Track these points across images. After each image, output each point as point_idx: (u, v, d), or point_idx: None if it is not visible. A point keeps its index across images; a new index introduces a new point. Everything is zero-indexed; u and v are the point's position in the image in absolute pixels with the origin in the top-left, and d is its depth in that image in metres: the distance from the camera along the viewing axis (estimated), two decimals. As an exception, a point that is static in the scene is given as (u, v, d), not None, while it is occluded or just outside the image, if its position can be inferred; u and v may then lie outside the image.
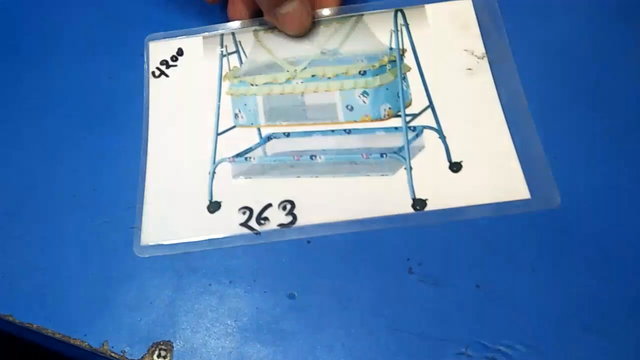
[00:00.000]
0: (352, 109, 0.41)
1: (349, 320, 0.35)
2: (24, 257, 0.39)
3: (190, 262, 0.37)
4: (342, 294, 0.35)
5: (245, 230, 0.38)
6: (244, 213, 0.38)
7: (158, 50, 0.45)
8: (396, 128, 0.40)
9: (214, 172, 0.40)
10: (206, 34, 0.45)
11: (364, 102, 0.41)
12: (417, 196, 0.38)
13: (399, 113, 0.41)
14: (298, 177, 0.39)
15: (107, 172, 0.41)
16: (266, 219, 0.38)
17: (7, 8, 0.51)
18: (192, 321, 0.36)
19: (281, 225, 0.37)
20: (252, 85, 0.43)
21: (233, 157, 0.40)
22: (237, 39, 0.45)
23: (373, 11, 0.44)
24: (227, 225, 0.38)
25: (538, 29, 0.44)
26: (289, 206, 0.38)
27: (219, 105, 0.42)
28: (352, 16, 0.45)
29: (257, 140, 0.41)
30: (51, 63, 0.47)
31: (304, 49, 0.44)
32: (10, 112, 0.45)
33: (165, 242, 0.38)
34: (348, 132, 0.41)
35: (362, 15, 0.44)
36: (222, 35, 0.45)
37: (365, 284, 0.36)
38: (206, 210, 0.39)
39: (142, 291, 0.37)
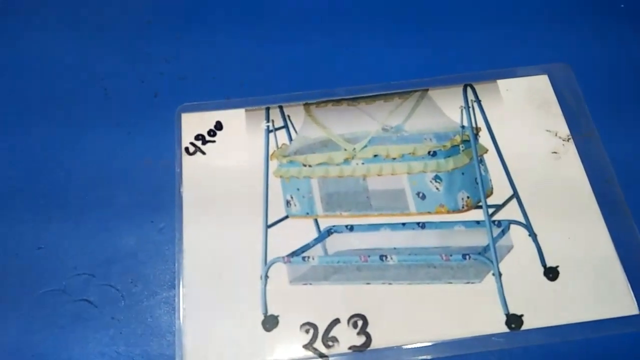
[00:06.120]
0: (424, 197, 0.35)
1: None
2: None
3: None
4: None
5: (310, 354, 0.31)
6: (307, 331, 0.31)
7: (192, 123, 0.39)
8: (478, 222, 0.35)
9: (266, 276, 0.33)
10: (249, 106, 0.39)
11: (437, 189, 0.35)
12: (512, 311, 0.32)
13: (480, 203, 0.35)
14: (367, 283, 0.33)
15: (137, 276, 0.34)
16: (334, 339, 0.31)
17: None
18: None
19: (353, 347, 0.31)
20: (304, 165, 0.37)
21: (288, 256, 0.34)
22: (286, 113, 0.39)
23: (439, 86, 0.39)
24: (287, 347, 0.31)
25: (620, 104, 0.40)
26: (360, 322, 0.31)
27: (267, 190, 0.36)
28: (415, 91, 0.39)
29: (314, 234, 0.35)
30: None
31: (363, 125, 0.38)
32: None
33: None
34: (422, 226, 0.35)
35: (427, 90, 0.39)
36: (267, 108, 0.39)
37: None
38: (261, 326, 0.32)
39: None
